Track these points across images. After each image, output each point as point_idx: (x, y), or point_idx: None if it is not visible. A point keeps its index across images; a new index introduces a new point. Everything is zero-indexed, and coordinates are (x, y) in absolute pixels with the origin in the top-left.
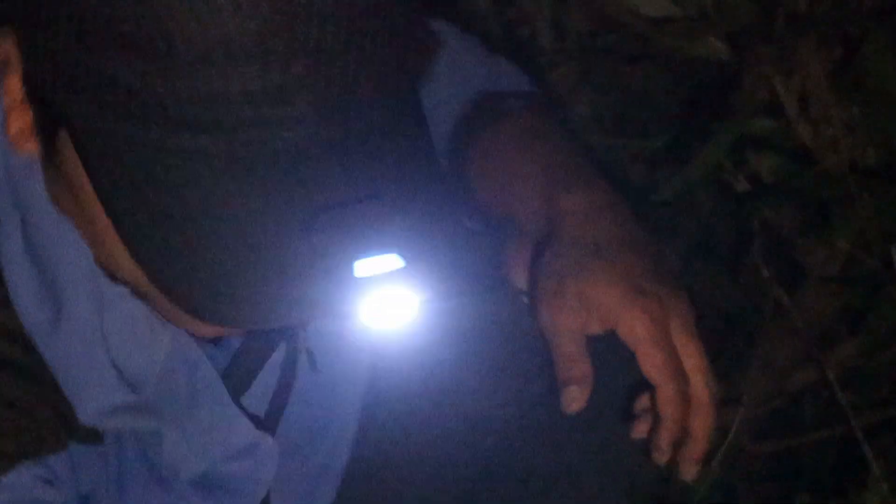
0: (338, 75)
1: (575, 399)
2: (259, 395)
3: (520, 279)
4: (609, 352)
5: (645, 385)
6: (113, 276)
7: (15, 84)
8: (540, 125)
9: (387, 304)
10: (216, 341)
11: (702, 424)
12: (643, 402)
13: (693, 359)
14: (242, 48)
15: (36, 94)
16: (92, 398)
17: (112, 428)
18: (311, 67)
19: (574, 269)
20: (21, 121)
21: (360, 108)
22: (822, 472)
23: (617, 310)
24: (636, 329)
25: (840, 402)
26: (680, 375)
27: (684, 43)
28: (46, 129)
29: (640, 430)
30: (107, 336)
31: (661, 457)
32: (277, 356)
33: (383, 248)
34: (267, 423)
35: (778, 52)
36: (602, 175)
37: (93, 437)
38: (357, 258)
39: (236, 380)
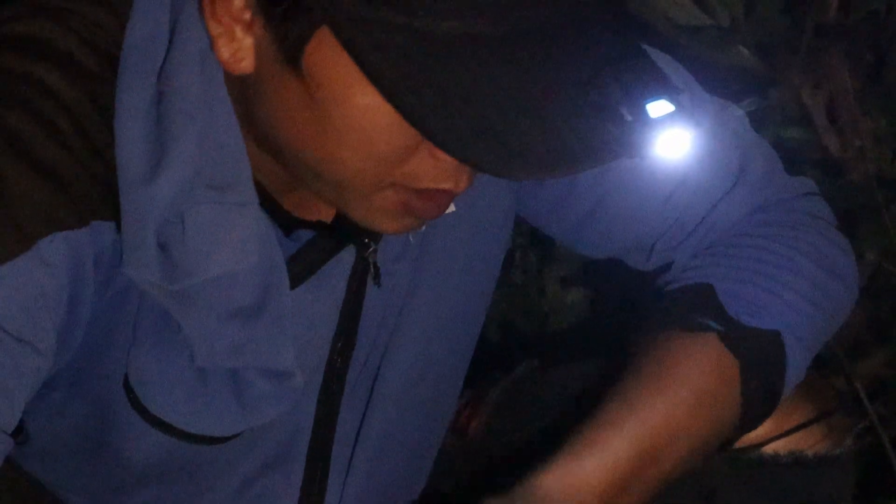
0: None
1: None
2: (329, 301)
3: None
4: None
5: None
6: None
7: (235, 9)
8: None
9: (667, 140)
10: (290, 232)
11: None
12: None
13: None
14: None
15: (277, 6)
16: (131, 261)
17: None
18: None
19: None
20: (235, 44)
21: None
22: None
23: None
24: None
25: (868, 413)
26: None
27: (713, 52)
28: (291, 37)
29: None
30: (186, 226)
31: None
32: (345, 263)
33: (660, 93)
34: (341, 333)
35: (806, 63)
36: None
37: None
38: (644, 103)
39: (298, 268)
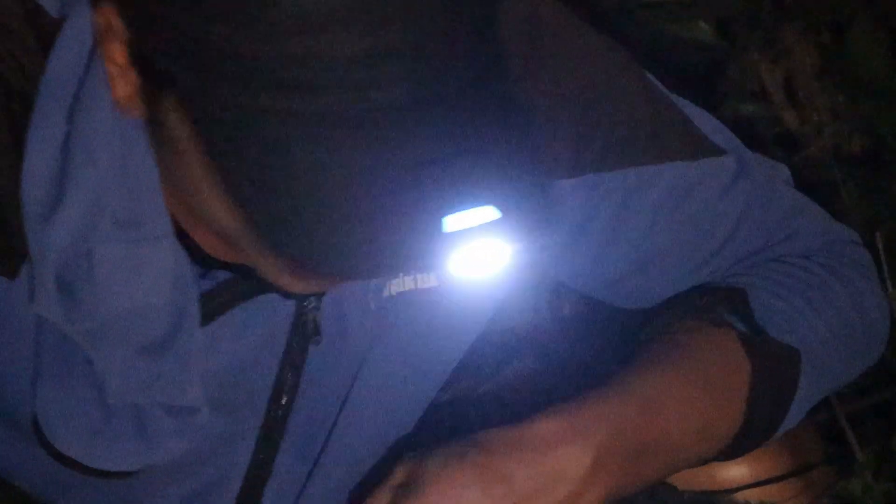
0: (431, 39)
1: None
2: (266, 349)
3: None
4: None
5: None
6: (193, 222)
7: (118, 51)
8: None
9: (479, 255)
10: (205, 273)
11: None
12: None
13: None
14: (338, 13)
15: (141, 61)
16: (36, 300)
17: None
18: (405, 31)
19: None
20: (126, 86)
21: (451, 69)
22: None
23: None
24: None
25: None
26: None
27: (673, 26)
28: (151, 92)
29: None
30: (94, 263)
31: None
32: (284, 322)
33: (477, 201)
34: (281, 382)
35: (764, 39)
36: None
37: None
38: (450, 212)
39: (212, 306)
